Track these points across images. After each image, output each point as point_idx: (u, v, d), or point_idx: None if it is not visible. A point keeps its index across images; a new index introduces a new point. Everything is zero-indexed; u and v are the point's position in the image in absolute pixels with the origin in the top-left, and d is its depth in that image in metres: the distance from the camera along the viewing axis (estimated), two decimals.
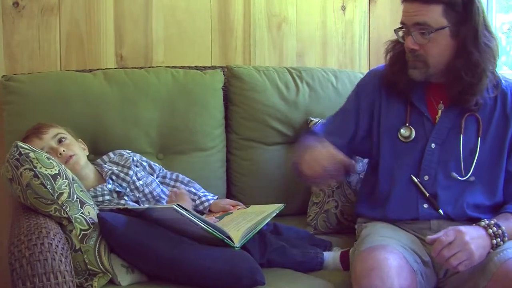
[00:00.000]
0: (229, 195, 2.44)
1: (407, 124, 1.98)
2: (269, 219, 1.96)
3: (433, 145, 1.94)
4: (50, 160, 1.70)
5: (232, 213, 2.10)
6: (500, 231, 1.75)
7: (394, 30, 1.94)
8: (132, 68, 2.40)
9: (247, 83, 2.42)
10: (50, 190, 1.65)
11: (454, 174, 1.91)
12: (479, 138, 1.92)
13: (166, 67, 2.43)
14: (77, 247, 1.65)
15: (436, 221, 1.91)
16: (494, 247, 1.74)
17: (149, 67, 2.44)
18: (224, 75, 2.46)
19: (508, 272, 1.64)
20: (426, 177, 1.93)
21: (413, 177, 1.94)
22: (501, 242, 1.74)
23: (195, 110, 2.33)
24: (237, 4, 2.71)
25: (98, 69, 2.34)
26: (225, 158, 2.44)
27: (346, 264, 1.97)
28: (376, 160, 2.03)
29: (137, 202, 2.02)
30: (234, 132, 2.44)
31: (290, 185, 2.42)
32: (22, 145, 1.70)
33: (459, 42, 1.85)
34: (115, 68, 2.40)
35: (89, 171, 2.03)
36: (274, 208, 2.02)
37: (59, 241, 1.53)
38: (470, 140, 1.93)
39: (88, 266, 1.66)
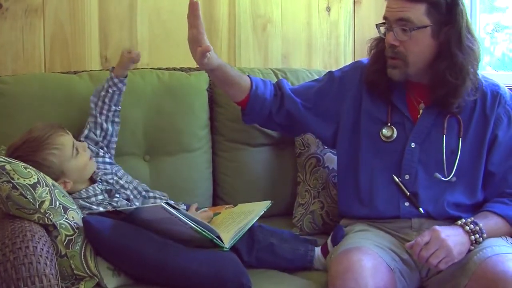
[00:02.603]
0: (215, 196, 2.44)
1: (389, 124, 2.00)
2: (257, 218, 1.96)
3: (413, 145, 1.96)
4: (28, 170, 1.67)
5: (220, 213, 2.10)
6: (477, 228, 1.77)
7: (376, 24, 1.96)
8: None
9: None
10: (31, 200, 1.62)
11: (437, 175, 1.92)
12: (460, 139, 1.94)
13: (151, 68, 2.42)
14: (63, 253, 1.64)
15: (417, 220, 1.93)
16: (473, 243, 1.76)
17: (134, 69, 2.43)
18: (209, 76, 2.46)
19: (487, 271, 1.66)
20: (407, 176, 1.96)
21: (394, 177, 1.96)
22: (480, 239, 1.77)
23: (181, 111, 2.33)
24: (222, 5, 2.71)
25: (83, 71, 2.33)
26: (211, 159, 2.44)
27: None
28: (354, 158, 2.05)
29: (128, 199, 2.02)
30: (219, 134, 2.43)
31: (275, 186, 2.43)
32: None
33: (440, 43, 1.87)
34: (100, 70, 2.39)
35: None
36: (262, 206, 2.03)
37: (44, 245, 1.52)
38: (451, 141, 1.95)
39: (75, 271, 1.65)
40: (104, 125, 2.08)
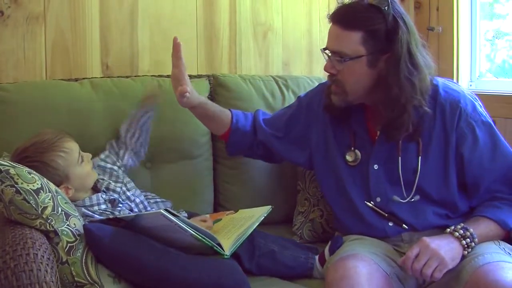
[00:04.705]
0: (216, 203, 2.45)
1: (352, 148, 1.98)
2: (258, 223, 1.96)
3: (376, 166, 1.94)
4: (32, 175, 1.67)
5: (221, 219, 2.10)
6: (468, 233, 1.75)
7: (321, 49, 1.90)
8: (118, 77, 2.40)
9: (233, 91, 2.42)
10: (34, 205, 1.62)
11: (396, 198, 1.91)
12: (420, 157, 1.89)
13: (152, 76, 2.43)
14: (64, 260, 1.63)
15: (407, 233, 1.92)
16: (466, 247, 1.73)
17: (135, 76, 2.44)
18: (209, 84, 2.46)
19: (479, 280, 1.63)
20: (378, 199, 1.94)
21: (367, 203, 1.95)
22: (472, 244, 1.74)
23: (181, 119, 2.33)
24: (223, 12, 2.72)
25: (84, 78, 2.33)
26: (212, 166, 2.44)
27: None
28: (332, 184, 2.04)
29: (131, 210, 2.02)
30: (220, 141, 2.42)
31: (276, 194, 2.44)
32: (2, 162, 1.66)
33: (379, 72, 1.81)
34: (101, 77, 2.40)
35: None
36: (262, 212, 2.03)
37: (45, 252, 1.52)
38: (410, 160, 1.90)
39: (75, 278, 1.64)
40: (125, 157, 2.17)
